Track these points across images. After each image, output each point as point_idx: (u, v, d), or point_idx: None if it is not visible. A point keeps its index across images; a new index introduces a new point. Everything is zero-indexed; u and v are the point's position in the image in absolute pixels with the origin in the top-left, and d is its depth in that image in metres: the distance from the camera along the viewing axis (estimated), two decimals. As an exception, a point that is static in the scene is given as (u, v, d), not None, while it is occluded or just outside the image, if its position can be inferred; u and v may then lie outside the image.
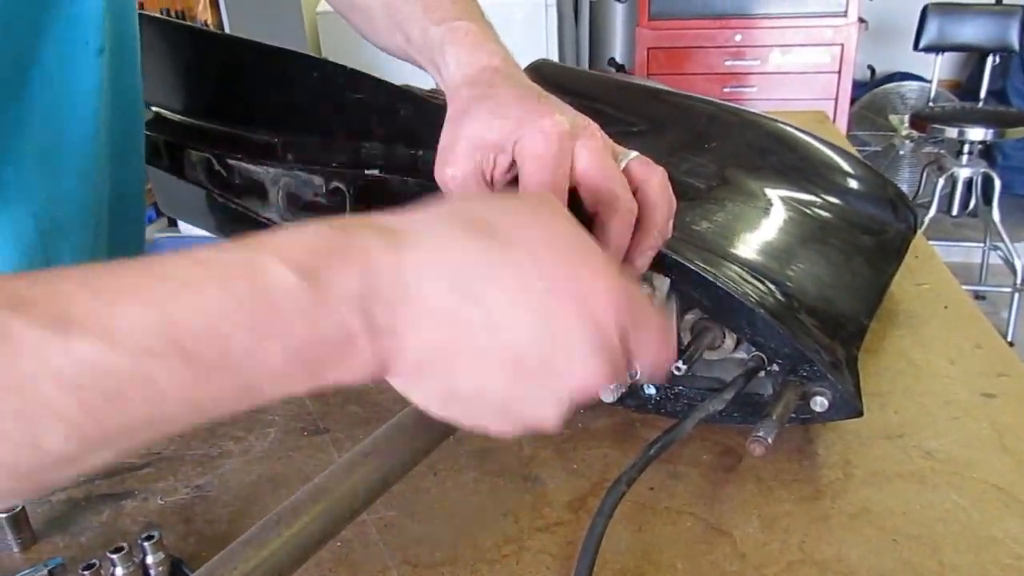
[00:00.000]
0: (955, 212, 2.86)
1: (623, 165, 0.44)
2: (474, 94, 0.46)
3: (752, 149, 0.71)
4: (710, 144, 0.71)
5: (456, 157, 0.44)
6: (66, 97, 0.52)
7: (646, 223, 0.43)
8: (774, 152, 0.71)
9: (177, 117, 0.70)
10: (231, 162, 0.64)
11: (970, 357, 0.57)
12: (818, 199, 0.67)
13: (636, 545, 0.42)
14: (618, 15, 3.33)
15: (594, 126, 0.43)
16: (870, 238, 0.64)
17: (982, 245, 2.79)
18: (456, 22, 0.49)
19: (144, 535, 0.41)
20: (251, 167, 0.63)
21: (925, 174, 2.93)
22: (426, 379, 0.31)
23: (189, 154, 0.66)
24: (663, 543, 0.42)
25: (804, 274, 0.55)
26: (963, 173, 2.74)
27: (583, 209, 0.43)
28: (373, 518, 0.45)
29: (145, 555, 0.41)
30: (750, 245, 0.57)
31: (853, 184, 0.70)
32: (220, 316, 0.27)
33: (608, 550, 0.42)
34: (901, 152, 3.37)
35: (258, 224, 0.66)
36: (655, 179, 0.44)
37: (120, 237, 0.61)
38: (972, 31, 2.82)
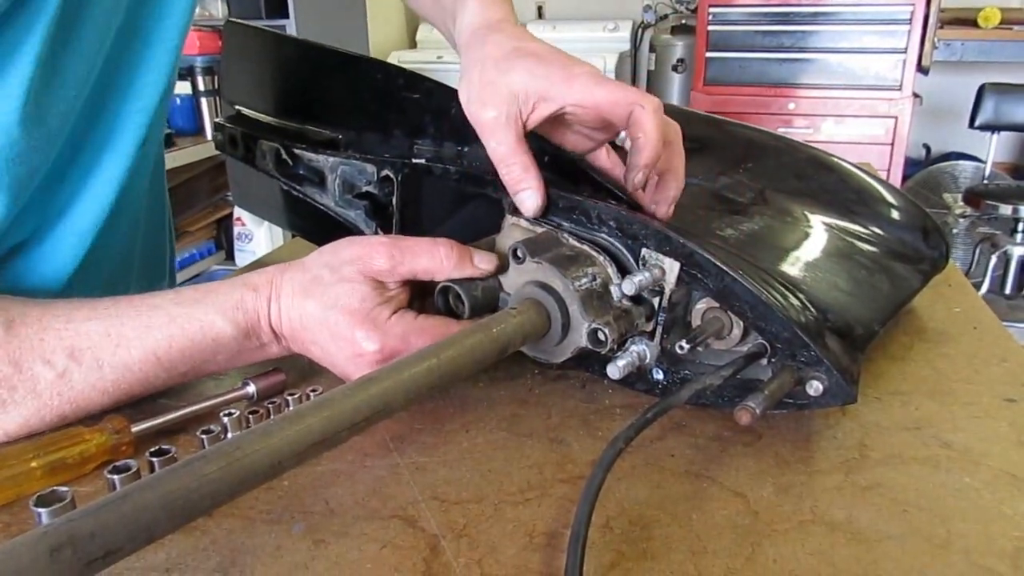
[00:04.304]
0: (1008, 291, 2.82)
1: None
2: (514, 46, 0.53)
3: (789, 170, 0.74)
4: (748, 165, 0.74)
5: (498, 101, 0.51)
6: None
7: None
8: (811, 175, 0.75)
9: (253, 113, 0.76)
10: (296, 152, 0.69)
11: (995, 369, 0.58)
12: (849, 220, 0.69)
13: (653, 498, 0.44)
14: (675, 83, 3.42)
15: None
16: (896, 259, 0.66)
17: (1036, 326, 2.73)
18: None
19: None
20: (313, 156, 0.68)
21: (978, 252, 2.90)
22: (301, 351, 0.55)
23: (261, 145, 0.72)
24: (679, 498, 0.44)
25: (819, 277, 0.58)
26: (1017, 251, 2.71)
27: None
28: (406, 462, 0.48)
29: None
30: (771, 249, 0.60)
31: (886, 209, 0.72)
32: (188, 350, 0.52)
33: (627, 500, 0.44)
34: (955, 230, 3.35)
35: (315, 213, 0.71)
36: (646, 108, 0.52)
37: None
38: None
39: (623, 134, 0.56)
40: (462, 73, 0.56)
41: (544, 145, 0.57)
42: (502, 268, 0.54)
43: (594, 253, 0.52)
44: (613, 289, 0.51)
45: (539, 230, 0.55)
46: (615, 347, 0.51)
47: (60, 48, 0.55)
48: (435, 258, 0.52)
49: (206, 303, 0.52)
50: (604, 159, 0.59)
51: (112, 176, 0.64)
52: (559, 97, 0.51)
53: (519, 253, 0.52)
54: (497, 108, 0.52)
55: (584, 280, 0.51)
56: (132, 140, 0.65)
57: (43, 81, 0.54)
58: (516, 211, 0.56)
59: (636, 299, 0.52)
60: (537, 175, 0.53)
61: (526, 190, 0.53)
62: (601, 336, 0.50)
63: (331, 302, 0.51)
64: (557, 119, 0.54)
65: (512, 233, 0.56)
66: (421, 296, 0.56)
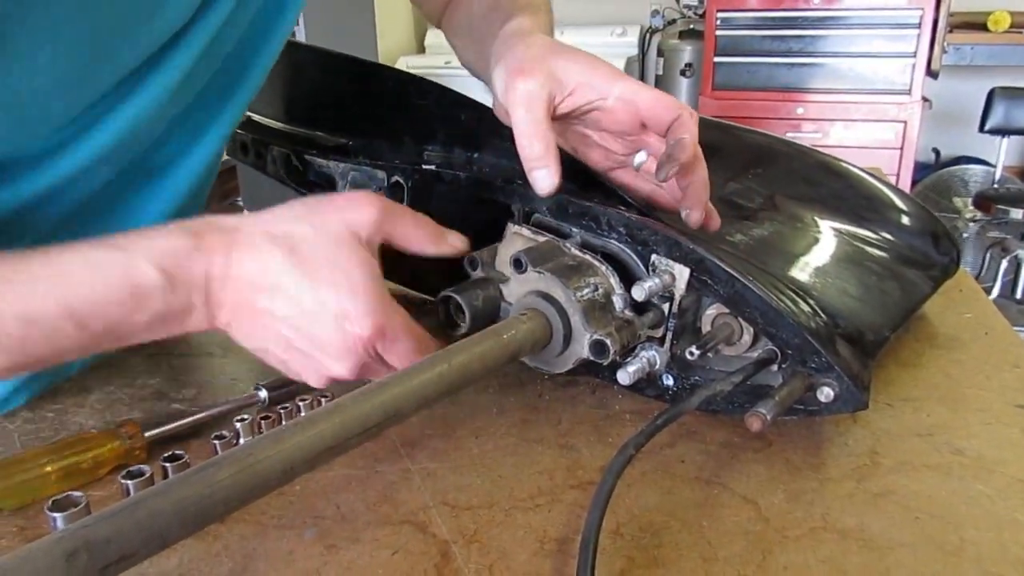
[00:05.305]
0: (1019, 296, 2.81)
1: None
2: (559, 43, 0.54)
3: (798, 175, 0.74)
4: (758, 171, 0.74)
5: (539, 74, 0.51)
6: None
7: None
8: (821, 180, 0.74)
9: (264, 119, 0.77)
10: (307, 158, 0.69)
11: (1007, 375, 0.58)
12: (859, 225, 0.69)
13: (664, 504, 0.44)
14: (683, 88, 3.41)
15: None
16: (907, 264, 0.66)
17: (1047, 331, 2.71)
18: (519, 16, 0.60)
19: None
20: (324, 162, 0.68)
21: (988, 256, 2.89)
22: (234, 332, 0.47)
23: (272, 151, 0.72)
24: (689, 505, 0.44)
25: (829, 283, 0.57)
26: (1028, 256, 2.70)
27: None
28: (417, 467, 0.48)
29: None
30: (780, 255, 0.60)
31: (896, 215, 0.72)
32: (105, 301, 0.42)
33: (637, 506, 0.44)
34: (965, 235, 3.33)
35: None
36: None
37: None
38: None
39: (639, 155, 0.56)
40: (502, 53, 0.55)
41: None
42: (502, 278, 0.54)
43: (596, 263, 0.52)
44: (615, 299, 0.51)
45: (541, 239, 0.55)
46: (617, 358, 0.51)
47: (201, 63, 0.55)
48: (418, 224, 0.51)
49: (131, 249, 0.44)
50: (629, 176, 0.59)
51: (175, 193, 0.62)
52: (602, 88, 0.52)
53: (521, 262, 0.52)
54: (537, 81, 0.51)
55: (586, 290, 0.50)
56: (202, 161, 0.62)
57: (179, 88, 0.54)
58: (523, 220, 0.56)
59: (640, 308, 0.52)
60: (556, 156, 0.52)
61: (543, 168, 0.51)
62: (604, 347, 0.49)
63: (333, 238, 0.46)
64: (582, 135, 0.54)
65: (514, 242, 0.56)
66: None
